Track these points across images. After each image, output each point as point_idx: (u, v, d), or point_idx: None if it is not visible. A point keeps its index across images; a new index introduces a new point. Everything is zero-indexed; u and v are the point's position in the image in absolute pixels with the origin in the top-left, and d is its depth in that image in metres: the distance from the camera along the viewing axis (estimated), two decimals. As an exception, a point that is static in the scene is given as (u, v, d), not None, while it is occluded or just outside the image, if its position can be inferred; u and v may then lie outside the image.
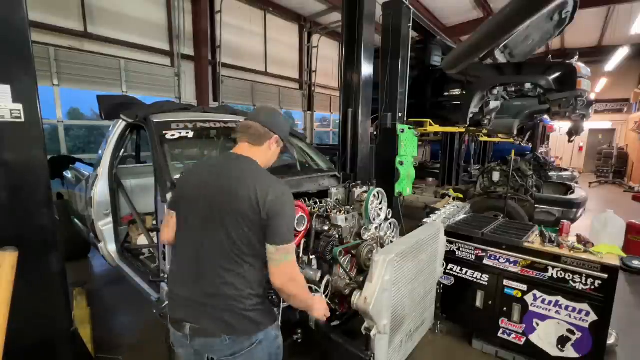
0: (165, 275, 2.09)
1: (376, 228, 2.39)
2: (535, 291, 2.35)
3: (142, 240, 2.90)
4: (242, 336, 1.28)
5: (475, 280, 2.62)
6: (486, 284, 2.57)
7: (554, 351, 2.30)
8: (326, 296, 2.00)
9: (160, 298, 2.24)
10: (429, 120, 5.19)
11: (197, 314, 1.28)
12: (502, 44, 4.30)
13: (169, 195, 1.99)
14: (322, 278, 2.08)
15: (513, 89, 4.64)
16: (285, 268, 1.27)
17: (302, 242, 2.10)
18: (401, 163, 4.03)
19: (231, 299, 1.26)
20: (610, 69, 11.27)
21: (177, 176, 2.10)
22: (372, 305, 1.65)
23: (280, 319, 1.55)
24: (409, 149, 4.13)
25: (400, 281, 1.88)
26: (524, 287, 2.39)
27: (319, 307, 1.47)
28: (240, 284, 1.27)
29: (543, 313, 2.33)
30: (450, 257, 2.71)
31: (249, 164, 1.35)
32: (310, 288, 1.76)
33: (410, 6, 4.18)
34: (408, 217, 4.29)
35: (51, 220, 1.86)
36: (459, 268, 2.71)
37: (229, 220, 1.25)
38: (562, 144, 14.97)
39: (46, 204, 1.83)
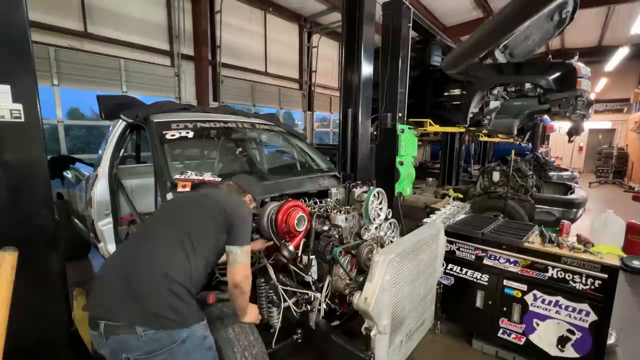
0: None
1: (376, 228, 2.39)
2: (535, 291, 2.35)
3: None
4: (161, 330, 1.24)
5: (475, 280, 2.62)
6: (486, 284, 2.57)
7: (554, 351, 2.30)
8: (326, 296, 2.00)
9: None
10: (429, 120, 5.19)
11: (115, 308, 1.27)
12: (502, 44, 4.30)
13: (169, 195, 1.99)
14: (321, 278, 2.09)
15: (513, 89, 4.64)
16: (243, 269, 1.52)
17: (302, 242, 2.10)
18: (401, 163, 4.03)
19: (157, 283, 1.29)
20: (610, 69, 11.26)
21: (178, 176, 2.12)
22: (372, 306, 1.65)
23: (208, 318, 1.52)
24: (409, 149, 4.13)
25: (400, 281, 1.88)
26: (524, 287, 2.39)
27: (252, 312, 1.67)
28: (172, 271, 1.34)
29: (543, 313, 2.33)
30: (450, 257, 2.71)
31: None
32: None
33: (410, 6, 4.18)
34: (408, 217, 4.29)
35: (51, 220, 1.86)
36: (459, 268, 2.71)
37: (200, 212, 1.51)
38: (562, 144, 14.97)
39: (46, 204, 1.84)
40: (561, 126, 11.05)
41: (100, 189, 2.69)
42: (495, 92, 4.62)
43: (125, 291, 1.28)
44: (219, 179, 2.23)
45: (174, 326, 1.27)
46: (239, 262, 1.51)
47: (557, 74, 4.13)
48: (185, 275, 1.36)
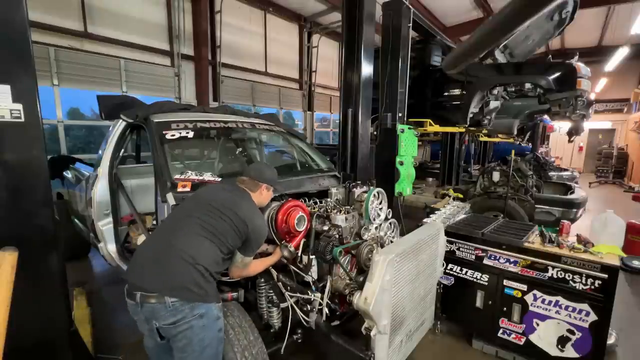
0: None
1: (376, 228, 2.39)
2: (535, 291, 2.35)
3: (142, 240, 2.90)
4: (185, 302, 1.42)
5: (475, 280, 2.62)
6: (486, 284, 2.57)
7: (554, 351, 2.30)
8: (327, 296, 2.00)
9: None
10: (429, 120, 5.19)
11: (150, 281, 1.45)
12: (502, 44, 4.30)
13: (169, 195, 1.99)
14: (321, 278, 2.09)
15: (513, 89, 4.64)
16: (241, 272, 1.83)
17: (302, 242, 2.10)
18: (401, 163, 4.03)
19: (186, 262, 1.47)
20: (610, 69, 11.26)
21: (178, 176, 2.12)
22: (372, 305, 1.65)
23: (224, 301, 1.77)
24: (409, 149, 4.13)
25: (400, 281, 1.88)
26: (524, 287, 2.39)
27: (270, 259, 1.98)
28: (199, 254, 1.52)
29: (543, 313, 2.33)
30: (450, 257, 2.71)
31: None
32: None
33: (410, 6, 4.18)
34: (408, 217, 4.29)
35: (51, 220, 1.86)
36: (459, 268, 2.71)
37: (225, 217, 1.64)
38: (562, 144, 14.97)
39: (46, 204, 1.84)
40: (561, 126, 11.05)
41: (100, 189, 2.69)
42: (495, 92, 4.62)
43: (159, 267, 1.48)
44: (219, 179, 2.23)
45: (196, 299, 1.44)
46: (237, 266, 1.79)
47: (557, 74, 4.13)
48: (209, 260, 1.54)
